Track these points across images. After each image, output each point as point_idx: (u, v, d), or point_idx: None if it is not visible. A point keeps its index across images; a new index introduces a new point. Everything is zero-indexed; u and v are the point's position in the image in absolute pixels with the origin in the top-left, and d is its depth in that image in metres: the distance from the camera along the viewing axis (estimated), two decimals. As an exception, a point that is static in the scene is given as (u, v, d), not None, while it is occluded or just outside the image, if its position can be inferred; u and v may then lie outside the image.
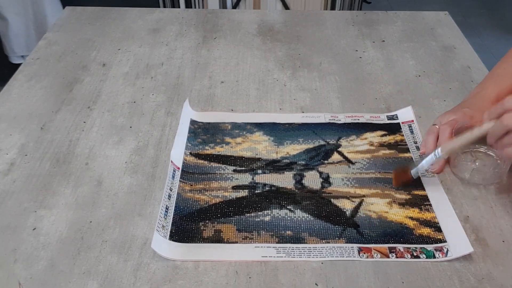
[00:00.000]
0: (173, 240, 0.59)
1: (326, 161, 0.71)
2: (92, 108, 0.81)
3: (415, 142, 0.74)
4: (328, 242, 0.59)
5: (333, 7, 1.95)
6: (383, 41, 1.00)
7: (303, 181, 0.67)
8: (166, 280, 0.55)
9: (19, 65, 0.93)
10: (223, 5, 1.95)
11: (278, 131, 0.76)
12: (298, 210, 0.63)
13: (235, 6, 1.95)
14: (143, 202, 0.64)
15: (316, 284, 0.55)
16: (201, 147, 0.73)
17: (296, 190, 0.66)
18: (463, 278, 0.55)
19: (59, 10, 1.93)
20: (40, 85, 0.87)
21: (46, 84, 0.87)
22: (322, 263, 0.57)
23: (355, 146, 0.73)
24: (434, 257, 0.57)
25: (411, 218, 0.62)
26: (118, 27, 1.05)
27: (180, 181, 0.67)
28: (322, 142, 0.74)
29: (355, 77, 0.89)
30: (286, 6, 1.94)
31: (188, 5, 1.96)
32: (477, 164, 0.69)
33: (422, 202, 0.64)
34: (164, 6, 1.94)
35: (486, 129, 0.59)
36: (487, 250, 0.58)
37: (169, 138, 0.75)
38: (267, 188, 0.66)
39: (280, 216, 0.62)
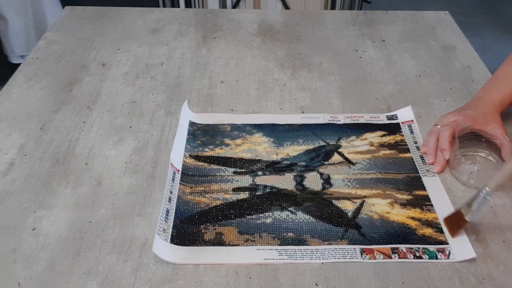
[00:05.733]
0: (174, 244, 0.59)
1: (326, 162, 0.70)
2: (92, 108, 0.81)
3: (415, 142, 0.74)
4: (330, 244, 0.59)
5: (333, 7, 1.95)
6: (383, 41, 1.00)
7: (304, 183, 0.67)
8: (166, 281, 0.55)
9: (18, 65, 0.92)
10: (223, 4, 1.95)
11: (278, 132, 0.76)
12: (300, 211, 0.63)
13: (235, 5, 1.95)
14: (143, 202, 0.64)
15: (316, 284, 0.55)
16: (200, 149, 0.73)
17: (297, 192, 0.66)
18: (463, 278, 0.55)
19: (59, 10, 1.92)
20: (40, 85, 0.86)
21: (46, 84, 0.87)
22: (322, 263, 0.57)
23: (355, 147, 0.73)
24: (437, 258, 0.57)
25: (413, 219, 0.62)
26: (118, 27, 1.04)
27: (180, 183, 0.67)
28: (322, 143, 0.74)
29: (355, 77, 0.89)
30: (286, 6, 1.93)
31: (188, 4, 1.95)
32: (475, 167, 0.69)
33: (424, 202, 0.64)
34: (164, 6, 1.94)
35: None
36: (488, 250, 0.58)
37: (169, 138, 0.75)
38: (267, 190, 0.66)
39: (281, 218, 0.62)
